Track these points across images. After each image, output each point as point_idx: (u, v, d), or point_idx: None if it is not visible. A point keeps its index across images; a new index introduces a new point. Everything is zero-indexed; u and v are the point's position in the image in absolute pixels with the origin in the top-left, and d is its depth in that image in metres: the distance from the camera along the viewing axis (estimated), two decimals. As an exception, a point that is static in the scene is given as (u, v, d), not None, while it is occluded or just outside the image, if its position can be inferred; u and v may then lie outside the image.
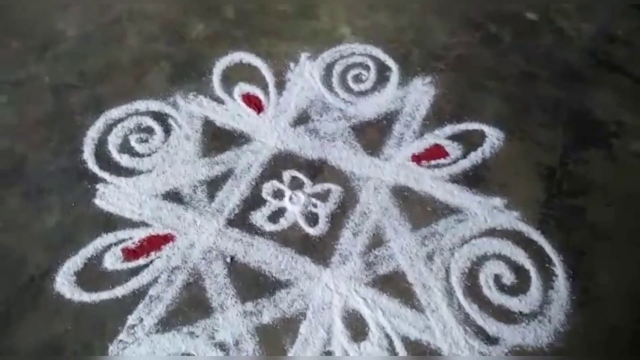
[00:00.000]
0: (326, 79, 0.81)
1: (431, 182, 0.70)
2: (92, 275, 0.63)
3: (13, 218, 0.68)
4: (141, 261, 0.64)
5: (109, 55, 0.86)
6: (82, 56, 0.86)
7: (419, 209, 0.67)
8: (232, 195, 0.69)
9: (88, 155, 0.74)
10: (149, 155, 0.73)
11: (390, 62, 0.83)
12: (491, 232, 0.65)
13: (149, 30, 0.90)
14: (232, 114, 0.77)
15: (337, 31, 0.88)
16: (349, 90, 0.80)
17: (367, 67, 0.82)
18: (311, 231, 0.66)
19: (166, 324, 0.59)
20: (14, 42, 0.89)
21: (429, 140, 0.74)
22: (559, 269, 0.62)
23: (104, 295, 0.61)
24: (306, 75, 0.82)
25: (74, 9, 0.94)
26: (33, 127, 0.77)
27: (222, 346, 0.57)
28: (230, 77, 0.81)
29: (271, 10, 0.92)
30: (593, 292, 0.60)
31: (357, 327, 0.58)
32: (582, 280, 0.61)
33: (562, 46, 0.85)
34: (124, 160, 0.73)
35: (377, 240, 0.65)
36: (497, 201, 0.67)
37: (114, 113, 0.78)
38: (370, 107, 0.77)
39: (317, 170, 0.71)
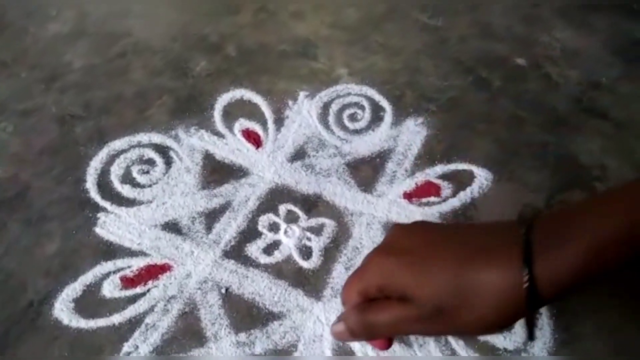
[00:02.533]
0: (323, 117, 0.84)
1: (422, 219, 0.72)
2: (90, 302, 0.64)
3: (14, 244, 0.69)
4: (138, 290, 0.65)
5: (114, 87, 0.89)
6: (87, 88, 0.89)
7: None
8: (229, 227, 0.71)
9: (90, 184, 0.75)
10: (150, 186, 0.75)
11: (384, 103, 0.86)
12: (478, 270, 0.67)
13: (154, 64, 0.93)
14: (231, 148, 0.80)
15: (335, 72, 0.91)
16: (344, 128, 0.83)
17: (362, 107, 0.85)
18: (305, 264, 0.68)
19: (161, 352, 0.60)
20: (23, 72, 0.92)
21: (420, 178, 0.77)
22: (543, 308, 0.64)
23: (101, 322, 0.63)
24: (304, 112, 0.85)
25: (82, 41, 0.97)
26: (38, 156, 0.79)
27: (214, 375, 0.59)
28: (230, 113, 0.84)
29: (272, 50, 0.95)
30: (575, 331, 0.62)
31: (346, 360, 0.60)
32: (565, 319, 0.63)
33: (550, 92, 0.88)
34: (126, 190, 0.75)
35: (368, 275, 0.67)
36: (485, 239, 0.69)
37: (117, 144, 0.80)
38: (364, 145, 0.80)
39: (312, 204, 0.73)
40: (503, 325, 0.38)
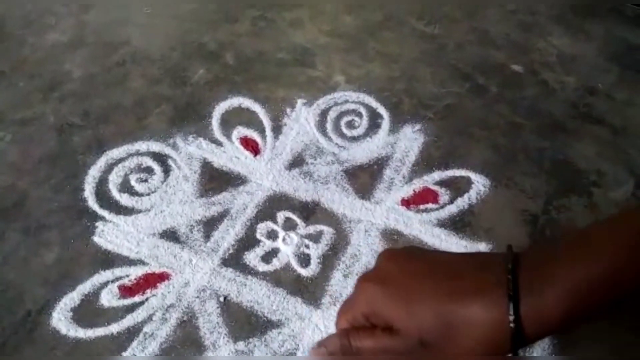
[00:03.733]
0: (321, 125, 0.84)
1: (419, 226, 0.72)
2: (88, 312, 0.64)
3: (13, 253, 0.69)
4: (137, 298, 0.65)
5: (113, 96, 0.89)
6: (86, 97, 0.89)
7: (408, 252, 0.69)
8: (227, 235, 0.71)
9: (89, 193, 0.75)
10: (148, 194, 0.75)
11: (381, 110, 0.86)
12: (477, 276, 0.67)
13: (152, 73, 0.93)
14: (229, 156, 0.80)
15: (332, 79, 0.91)
16: (342, 135, 0.83)
17: (359, 114, 0.86)
18: (303, 272, 0.68)
19: (160, 361, 0.60)
20: (21, 82, 0.92)
21: (418, 185, 0.77)
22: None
23: (100, 331, 0.62)
24: (302, 120, 0.85)
25: (81, 50, 0.97)
26: (36, 165, 0.79)
27: (213, 384, 0.59)
28: (229, 121, 0.84)
29: (270, 58, 0.95)
30: (572, 336, 0.62)
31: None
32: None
33: (547, 98, 0.88)
34: (124, 199, 0.75)
35: (366, 282, 0.67)
36: (483, 246, 0.69)
37: (115, 153, 0.80)
38: (362, 152, 0.80)
39: (310, 212, 0.73)
40: None
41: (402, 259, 0.43)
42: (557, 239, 0.55)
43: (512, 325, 0.34)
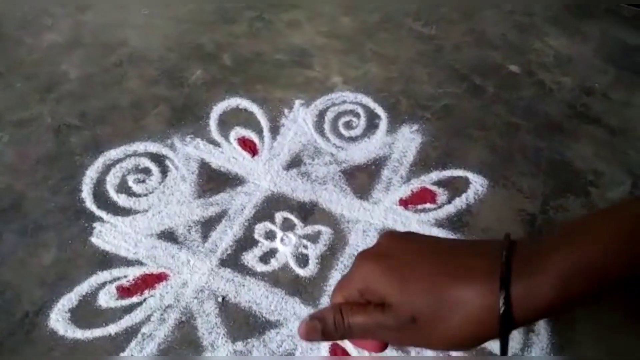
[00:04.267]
0: (318, 125, 0.84)
1: (417, 226, 0.72)
2: (86, 313, 0.64)
3: (10, 254, 0.69)
4: (135, 299, 0.65)
5: (110, 97, 0.89)
6: (83, 97, 0.89)
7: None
8: (225, 236, 0.71)
9: (86, 194, 0.75)
10: (146, 195, 0.75)
11: (379, 111, 0.86)
12: (475, 276, 0.67)
13: (149, 74, 0.93)
14: (227, 156, 0.80)
15: (330, 80, 0.91)
16: (340, 136, 0.83)
17: (357, 115, 0.86)
18: (301, 272, 0.68)
19: (158, 362, 0.60)
20: (18, 83, 0.92)
21: (416, 185, 0.77)
22: (539, 313, 0.64)
23: (97, 332, 0.62)
24: (300, 121, 0.85)
25: (78, 50, 0.97)
26: (33, 166, 0.79)
27: (211, 385, 0.59)
28: (226, 122, 0.84)
29: (267, 59, 0.95)
30: (570, 337, 0.62)
31: (344, 368, 0.60)
32: (561, 325, 0.63)
33: (543, 98, 0.89)
34: (121, 199, 0.75)
35: (365, 282, 0.67)
36: (481, 246, 0.70)
37: (113, 154, 0.80)
38: (360, 153, 0.80)
39: (308, 212, 0.73)
40: (475, 342, 0.38)
41: (402, 240, 0.44)
42: (556, 227, 0.55)
43: (501, 308, 0.35)
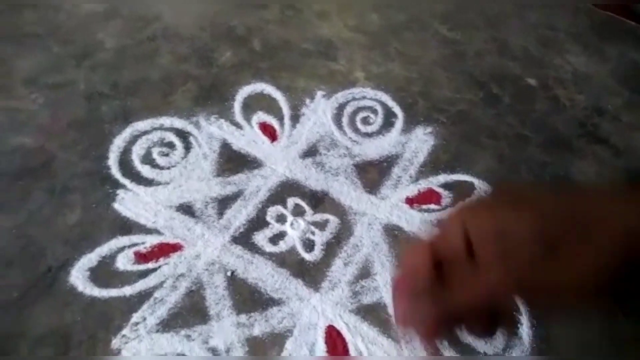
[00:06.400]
0: (337, 118, 0.88)
1: (420, 225, 0.76)
2: (104, 273, 0.68)
3: (37, 211, 0.73)
4: (150, 265, 0.69)
5: (142, 70, 0.92)
6: (116, 68, 0.92)
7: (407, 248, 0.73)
8: (239, 215, 0.75)
9: (112, 161, 0.79)
10: (169, 168, 0.79)
11: (396, 109, 0.89)
12: (469, 278, 0.71)
13: (181, 51, 0.96)
14: (248, 139, 0.83)
15: (353, 74, 0.94)
16: (356, 130, 0.87)
17: (375, 111, 0.89)
18: (307, 256, 0.72)
19: (166, 325, 0.65)
20: (55, 47, 0.95)
21: (423, 185, 0.81)
22: (524, 319, 0.68)
23: (113, 292, 0.67)
24: (319, 112, 0.88)
25: (115, 21, 1.01)
26: (64, 130, 0.83)
27: (214, 351, 0.63)
28: (250, 105, 0.88)
29: (295, 47, 0.98)
30: (551, 342, 0.66)
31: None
32: (544, 330, 0.67)
33: (556, 113, 0.91)
34: (145, 170, 0.79)
35: (365, 272, 0.71)
36: (478, 250, 0.73)
37: (141, 125, 0.84)
38: (373, 149, 0.84)
39: (319, 200, 0.77)
40: (619, 276, 0.29)
41: (515, 185, 0.33)
42: None
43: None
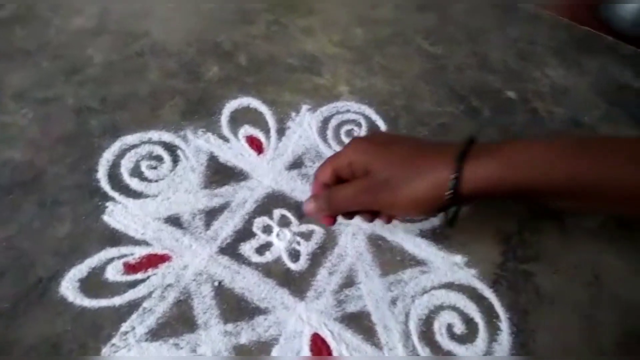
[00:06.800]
0: (322, 131, 0.90)
1: (403, 235, 0.78)
2: (94, 284, 0.69)
3: (28, 224, 0.75)
4: (139, 276, 0.71)
5: (130, 85, 0.94)
6: (105, 83, 0.94)
7: (389, 257, 0.75)
8: (226, 226, 0.77)
9: (102, 175, 0.81)
10: (157, 181, 0.81)
11: (380, 122, 0.91)
12: (449, 286, 0.73)
13: (169, 66, 0.98)
14: (235, 152, 0.85)
15: (337, 88, 0.97)
16: (341, 142, 0.89)
17: (359, 124, 0.91)
18: (292, 266, 0.74)
19: (155, 334, 0.66)
20: (44, 63, 0.97)
21: (407, 196, 0.83)
22: (504, 325, 0.70)
23: (103, 302, 0.68)
24: (305, 125, 0.91)
25: (103, 37, 1.02)
26: (54, 144, 0.84)
27: None
28: (236, 119, 0.90)
29: (280, 62, 1.00)
30: (531, 348, 0.68)
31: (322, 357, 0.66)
32: (524, 336, 0.69)
33: (534, 125, 0.94)
34: (134, 183, 0.80)
35: (349, 281, 0.73)
36: (458, 259, 0.75)
37: (129, 139, 0.85)
38: (358, 160, 0.86)
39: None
40: (433, 206, 0.53)
41: (387, 132, 0.65)
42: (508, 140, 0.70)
43: (452, 179, 0.49)
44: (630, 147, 0.49)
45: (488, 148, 0.50)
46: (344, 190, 0.57)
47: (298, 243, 0.76)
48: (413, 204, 0.53)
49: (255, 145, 0.88)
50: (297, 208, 0.80)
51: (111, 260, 0.72)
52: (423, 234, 0.78)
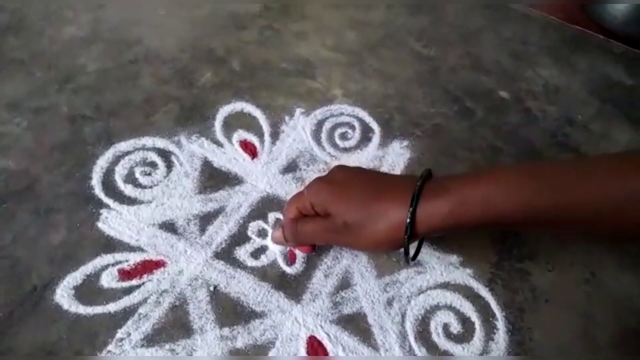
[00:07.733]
0: (316, 134, 0.90)
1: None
2: (89, 291, 0.69)
3: (23, 232, 0.75)
4: (134, 282, 0.71)
5: (124, 92, 0.94)
6: (99, 91, 0.94)
7: (385, 259, 0.75)
8: (221, 231, 0.77)
9: (96, 182, 0.81)
10: (151, 187, 0.81)
11: (374, 125, 0.92)
12: (445, 285, 0.73)
13: (162, 73, 0.98)
14: (229, 157, 0.85)
15: (330, 92, 0.97)
16: (335, 146, 0.89)
17: (353, 127, 0.91)
18: (288, 269, 0.74)
19: (151, 340, 0.66)
20: (38, 72, 0.97)
21: (401, 198, 0.83)
22: (500, 324, 0.70)
23: (98, 309, 0.68)
24: (299, 128, 0.91)
25: (96, 45, 1.03)
26: (48, 152, 0.84)
27: (197, 365, 0.65)
28: (230, 124, 0.90)
29: (274, 67, 1.01)
30: (527, 346, 0.68)
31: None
32: (520, 335, 0.69)
33: (528, 125, 0.94)
34: (128, 189, 0.80)
35: (345, 283, 0.72)
36: (454, 259, 0.75)
37: (123, 146, 0.85)
38: (351, 163, 0.85)
39: (299, 214, 0.79)
40: (392, 245, 0.56)
41: (346, 170, 0.61)
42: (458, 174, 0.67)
43: (408, 221, 0.51)
44: (579, 166, 0.50)
45: (443, 186, 0.52)
46: (308, 226, 0.61)
47: (293, 246, 0.76)
48: (373, 244, 0.57)
49: (250, 149, 0.88)
50: (292, 211, 0.80)
51: (106, 267, 0.72)
52: (418, 235, 0.78)
